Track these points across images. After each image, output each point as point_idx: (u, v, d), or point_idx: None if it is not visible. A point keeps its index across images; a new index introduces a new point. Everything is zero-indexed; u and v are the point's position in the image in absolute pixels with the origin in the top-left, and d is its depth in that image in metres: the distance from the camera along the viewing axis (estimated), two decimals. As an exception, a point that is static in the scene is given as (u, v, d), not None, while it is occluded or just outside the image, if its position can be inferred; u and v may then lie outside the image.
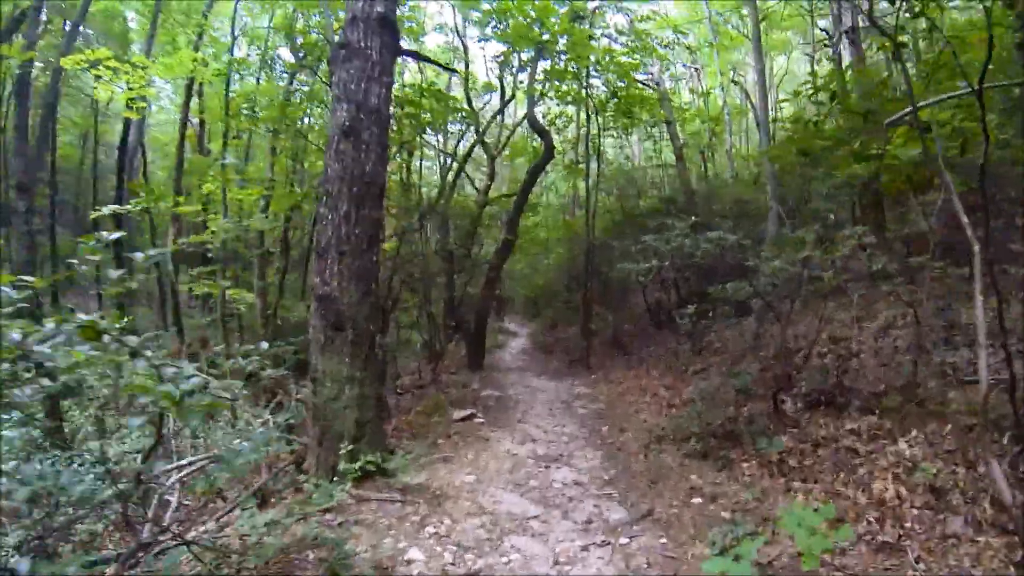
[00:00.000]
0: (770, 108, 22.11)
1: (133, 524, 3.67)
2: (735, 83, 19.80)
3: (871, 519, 3.80)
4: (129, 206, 7.51)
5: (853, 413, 5.88)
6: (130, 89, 10.49)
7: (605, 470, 5.59)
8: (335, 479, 4.64)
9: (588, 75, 13.47)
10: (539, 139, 15.02)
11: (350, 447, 4.83)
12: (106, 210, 8.73)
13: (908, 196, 7.70)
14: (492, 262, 13.83)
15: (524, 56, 13.46)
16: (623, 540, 3.88)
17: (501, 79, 15.13)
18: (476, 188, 16.96)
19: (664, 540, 3.88)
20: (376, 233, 5.38)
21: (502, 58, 13.55)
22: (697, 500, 4.57)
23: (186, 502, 5.59)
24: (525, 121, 15.30)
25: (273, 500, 5.18)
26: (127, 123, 16.71)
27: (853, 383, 6.34)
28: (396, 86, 11.75)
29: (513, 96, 15.87)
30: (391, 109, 5.62)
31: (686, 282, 11.32)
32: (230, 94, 10.39)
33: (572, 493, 4.92)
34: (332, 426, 4.93)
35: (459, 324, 13.49)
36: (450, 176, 14.69)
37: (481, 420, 7.55)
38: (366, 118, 5.12)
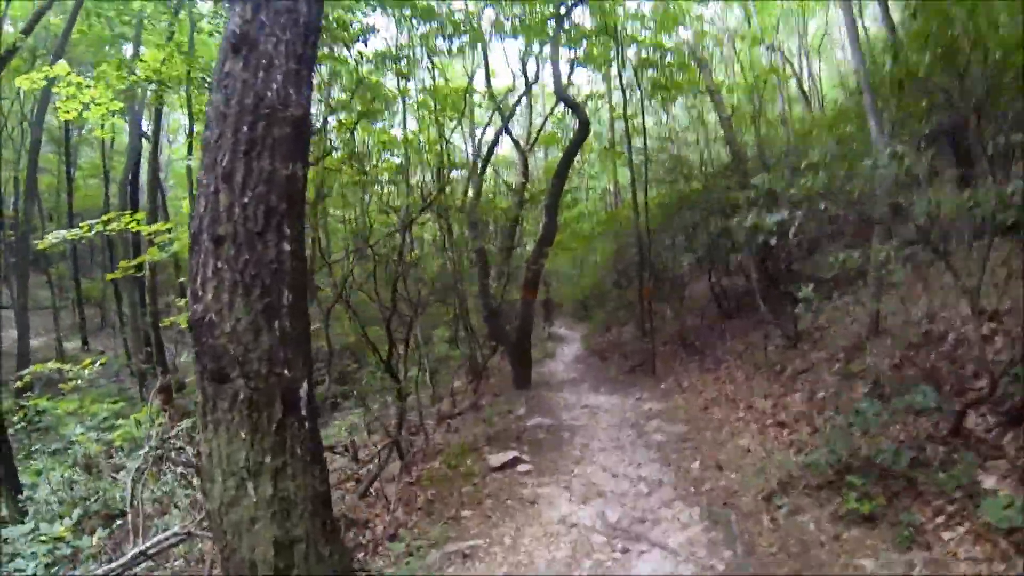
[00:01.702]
0: (812, 73, 20.17)
1: None
2: (775, 49, 17.81)
3: None
4: (74, 231, 6.22)
5: (1092, 431, 3.83)
6: (96, 105, 9.41)
7: (714, 550, 3.66)
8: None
9: (620, 41, 11.62)
10: (571, 113, 13.37)
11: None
12: (51, 238, 7.45)
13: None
14: (531, 257, 11.94)
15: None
16: None
17: (523, 60, 13.66)
18: (511, 189, 15.39)
19: None
20: (285, 203, 2.97)
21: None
22: (899, 625, 2.64)
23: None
24: (553, 107, 13.75)
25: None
26: (133, 156, 15.98)
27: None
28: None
29: (537, 78, 14.31)
30: (319, 16, 3.50)
31: (785, 255, 9.16)
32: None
33: (672, 609, 3.05)
34: (237, 550, 2.75)
35: (499, 335, 11.71)
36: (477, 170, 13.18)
37: (527, 467, 5.69)
38: (269, 20, 2.99)
